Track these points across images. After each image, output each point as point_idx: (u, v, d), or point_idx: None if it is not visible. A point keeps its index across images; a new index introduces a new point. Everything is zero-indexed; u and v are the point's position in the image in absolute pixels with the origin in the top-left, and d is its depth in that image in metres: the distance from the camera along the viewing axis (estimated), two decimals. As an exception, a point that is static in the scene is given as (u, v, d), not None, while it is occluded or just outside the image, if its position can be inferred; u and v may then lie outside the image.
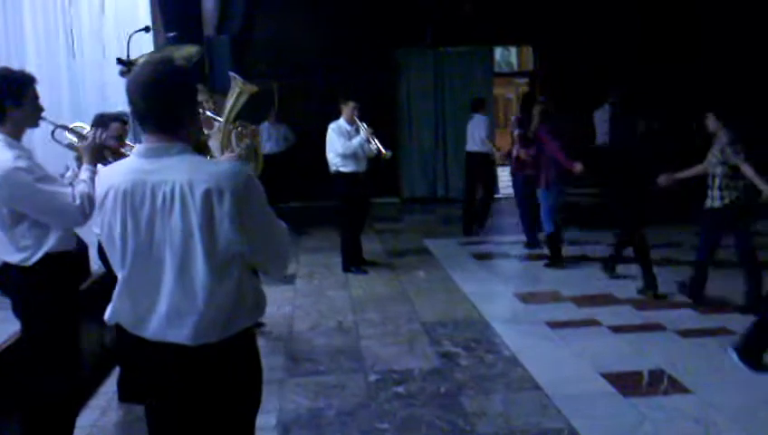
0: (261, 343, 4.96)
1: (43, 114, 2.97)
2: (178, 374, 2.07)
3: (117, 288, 2.10)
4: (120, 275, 2.09)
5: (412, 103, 11.97)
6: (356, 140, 6.71)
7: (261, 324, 5.40)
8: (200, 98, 5.10)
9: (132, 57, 4.90)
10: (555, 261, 6.91)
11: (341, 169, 6.79)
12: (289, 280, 6.82)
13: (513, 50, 15.23)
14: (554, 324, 5.25)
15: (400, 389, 4.17)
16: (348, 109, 6.79)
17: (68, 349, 2.99)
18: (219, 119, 5.15)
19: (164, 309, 2.04)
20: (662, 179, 5.64)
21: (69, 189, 2.85)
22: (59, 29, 7.79)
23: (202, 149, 2.69)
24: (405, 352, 4.80)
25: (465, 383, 4.21)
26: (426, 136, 12.02)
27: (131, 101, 2.03)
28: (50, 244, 2.89)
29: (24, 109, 2.87)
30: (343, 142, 6.69)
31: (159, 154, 2.02)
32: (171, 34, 7.95)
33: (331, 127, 6.82)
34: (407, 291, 6.33)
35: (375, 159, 7.03)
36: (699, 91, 9.31)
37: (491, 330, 5.18)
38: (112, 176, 2.09)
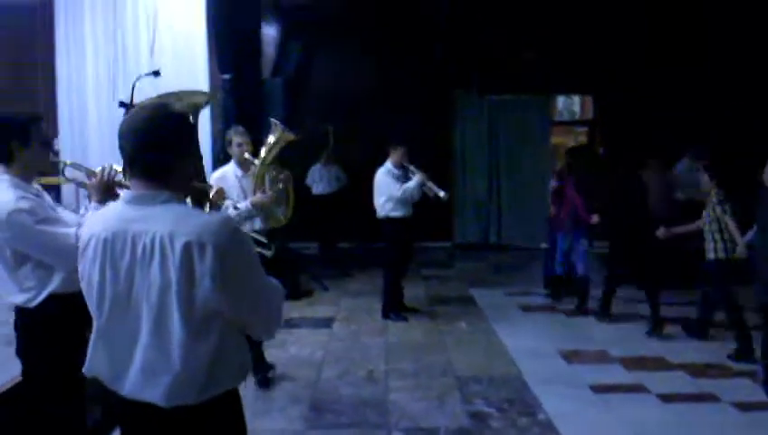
0: (287, 387, 4.86)
1: (55, 155, 2.94)
2: None
3: (92, 338, 1.99)
4: (95, 325, 1.98)
5: (467, 148, 11.82)
6: (412, 183, 6.58)
7: (270, 367, 5.24)
8: (239, 139, 5.13)
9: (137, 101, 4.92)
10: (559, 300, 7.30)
11: (391, 214, 6.64)
12: (326, 323, 6.68)
13: (577, 98, 14.96)
14: (598, 388, 4.90)
15: (423, 449, 3.93)
16: (397, 153, 6.69)
17: (69, 393, 2.89)
18: (256, 162, 5.13)
19: (139, 365, 1.91)
20: (661, 232, 5.95)
21: (72, 230, 2.77)
22: (119, 74, 8.06)
23: (202, 198, 2.59)
24: (434, 408, 4.54)
25: (492, 448, 3.94)
26: (479, 181, 11.81)
27: (120, 145, 1.95)
28: (53, 285, 2.83)
29: (31, 149, 2.84)
30: (399, 186, 6.57)
31: (144, 202, 1.93)
32: (226, 76, 8.08)
33: (381, 172, 6.71)
34: (445, 341, 6.07)
35: (425, 203, 6.93)
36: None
37: (528, 390, 4.87)
38: (96, 222, 2.01)
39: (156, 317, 1.87)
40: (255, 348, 4.57)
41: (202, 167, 2.82)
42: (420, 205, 6.96)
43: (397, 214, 6.64)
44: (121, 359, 1.94)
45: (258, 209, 4.91)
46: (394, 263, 6.84)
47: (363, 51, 11.69)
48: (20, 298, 2.83)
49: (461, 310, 7.25)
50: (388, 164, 6.73)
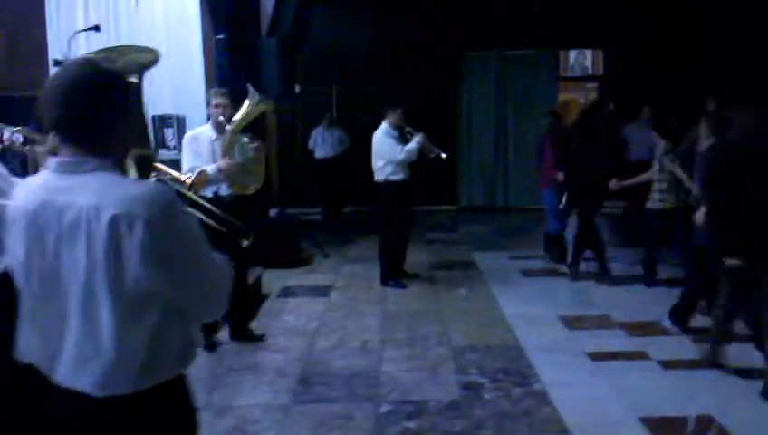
0: (277, 359, 4.76)
1: None
2: (86, 430, 1.81)
3: (20, 321, 1.84)
4: (23, 305, 1.83)
5: (473, 107, 11.53)
6: (413, 144, 6.38)
7: (261, 337, 5.16)
8: (217, 101, 4.96)
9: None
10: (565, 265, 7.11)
11: (391, 178, 6.46)
12: (324, 292, 6.57)
13: (589, 53, 14.53)
14: (597, 356, 4.75)
15: (411, 424, 3.80)
16: (395, 114, 6.46)
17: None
18: (228, 127, 4.96)
19: (70, 350, 1.75)
20: (613, 184, 6.24)
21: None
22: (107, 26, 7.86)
23: (144, 166, 2.40)
24: (426, 379, 4.43)
25: (483, 422, 3.81)
26: (486, 141, 11.57)
27: (45, 107, 1.76)
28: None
29: None
30: (401, 148, 6.36)
31: (70, 170, 1.73)
32: (220, 36, 7.86)
33: (380, 133, 6.50)
34: (443, 309, 5.94)
35: (429, 165, 6.80)
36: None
37: (525, 359, 4.74)
38: (24, 192, 1.83)
39: (84, 298, 1.70)
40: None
41: (145, 130, 2.63)
42: (424, 167, 6.81)
43: (396, 177, 6.46)
44: (53, 342, 1.77)
45: (224, 176, 4.79)
46: (392, 228, 6.68)
47: (366, 5, 11.37)
48: None
49: (462, 275, 7.11)
50: (386, 125, 6.52)
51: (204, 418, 3.68)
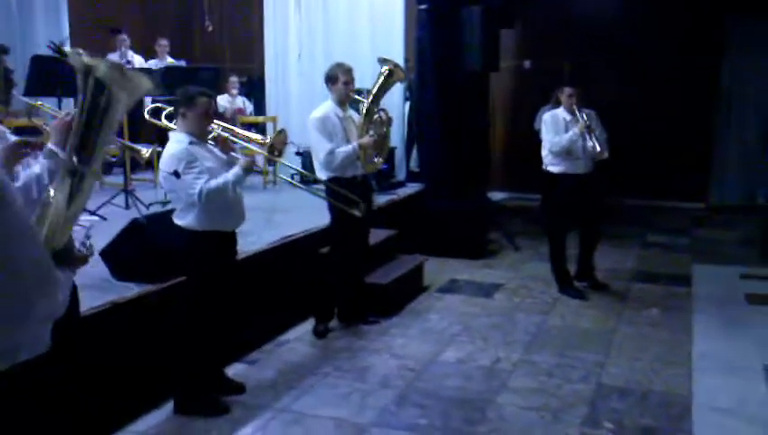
0: (388, 368, 4.24)
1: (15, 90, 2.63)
2: None
3: None
4: None
5: (735, 85, 9.58)
6: (566, 135, 5.42)
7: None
8: (346, 78, 4.56)
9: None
10: None
11: (550, 169, 5.60)
12: (489, 292, 5.86)
13: None
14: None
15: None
16: (563, 97, 5.54)
17: None
18: (362, 99, 4.68)
19: None
20: None
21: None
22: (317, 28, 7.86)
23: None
24: (539, 425, 3.57)
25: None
26: (750, 126, 9.55)
27: None
28: None
29: None
30: (552, 136, 5.46)
31: None
32: (422, 6, 7.40)
33: (546, 116, 5.62)
34: (616, 333, 4.89)
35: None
36: None
37: (687, 420, 3.61)
38: None
39: None
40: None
41: None
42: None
43: (556, 169, 5.57)
44: None
45: (362, 152, 4.60)
46: (556, 227, 5.77)
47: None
48: None
49: (664, 292, 5.84)
50: (560, 108, 5.60)
51: (273, 425, 3.38)
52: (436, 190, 7.36)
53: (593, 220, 5.76)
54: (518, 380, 4.12)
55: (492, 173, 9.46)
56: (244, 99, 9.37)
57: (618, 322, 5.12)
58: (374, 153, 4.73)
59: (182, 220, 3.57)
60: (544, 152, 5.61)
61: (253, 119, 8.38)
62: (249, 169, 3.55)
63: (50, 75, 5.38)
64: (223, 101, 8.95)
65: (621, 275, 6.33)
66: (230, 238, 3.72)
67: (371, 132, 4.68)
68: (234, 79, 9.22)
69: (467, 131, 7.42)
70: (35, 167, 2.51)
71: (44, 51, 8.10)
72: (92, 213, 5.34)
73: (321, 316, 4.83)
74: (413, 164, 8.31)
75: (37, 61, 5.49)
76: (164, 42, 8.63)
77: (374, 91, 4.74)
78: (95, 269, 3.89)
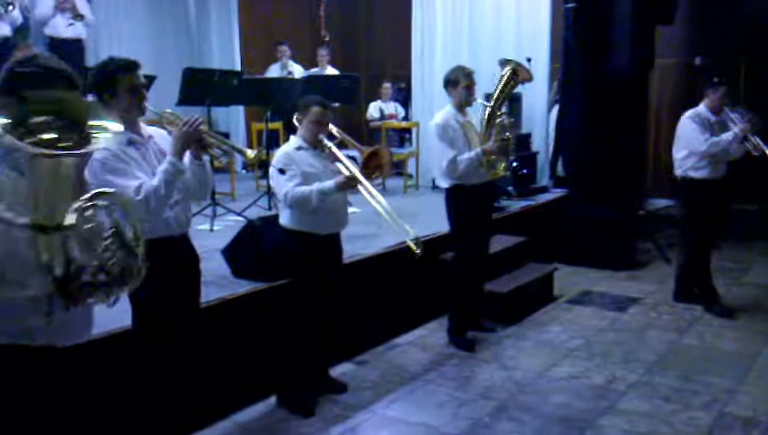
0: (493, 378, 4.16)
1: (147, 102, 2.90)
2: None
3: None
4: None
5: None
6: (728, 135, 4.94)
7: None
8: (467, 82, 4.49)
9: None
10: None
11: (690, 174, 5.14)
12: (623, 305, 5.52)
13: None
14: None
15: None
16: (715, 94, 5.04)
17: None
18: (487, 104, 4.56)
19: None
20: None
21: (133, 183, 2.76)
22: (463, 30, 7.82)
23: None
24: (640, 452, 3.34)
25: None
26: None
27: None
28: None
29: (120, 98, 2.85)
30: (707, 137, 4.98)
31: None
32: (569, 5, 7.12)
33: (688, 116, 5.16)
34: (757, 357, 4.40)
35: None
36: None
37: (818, 463, 3.18)
38: None
39: None
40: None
41: None
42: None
43: (698, 174, 5.08)
44: None
45: (485, 159, 4.45)
46: (692, 239, 5.31)
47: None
48: None
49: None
50: (701, 107, 5.13)
51: (363, 427, 3.48)
52: (581, 196, 7.05)
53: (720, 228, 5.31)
54: (630, 402, 3.85)
55: (655, 178, 8.89)
56: (397, 105, 9.59)
57: (763, 345, 4.60)
58: (496, 160, 4.54)
59: (282, 218, 3.78)
60: (682, 154, 5.16)
61: (396, 124, 8.54)
62: (342, 186, 3.60)
63: (201, 85, 5.87)
64: (374, 107, 9.25)
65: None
66: (327, 242, 3.80)
67: (494, 138, 4.51)
68: (387, 85, 9.48)
69: (618, 134, 7.02)
70: (155, 178, 2.78)
71: (219, 64, 8.93)
72: (239, 214, 5.75)
73: (455, 324, 4.76)
74: (560, 169, 8.02)
75: (188, 73, 5.98)
76: (323, 51, 9.06)
77: (495, 94, 4.62)
78: (220, 267, 4.25)
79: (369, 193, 3.74)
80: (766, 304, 5.41)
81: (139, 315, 2.97)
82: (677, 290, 5.47)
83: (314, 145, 3.75)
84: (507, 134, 4.51)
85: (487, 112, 4.60)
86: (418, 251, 3.79)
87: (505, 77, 4.65)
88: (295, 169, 3.62)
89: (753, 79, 9.33)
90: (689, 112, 5.16)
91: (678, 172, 5.23)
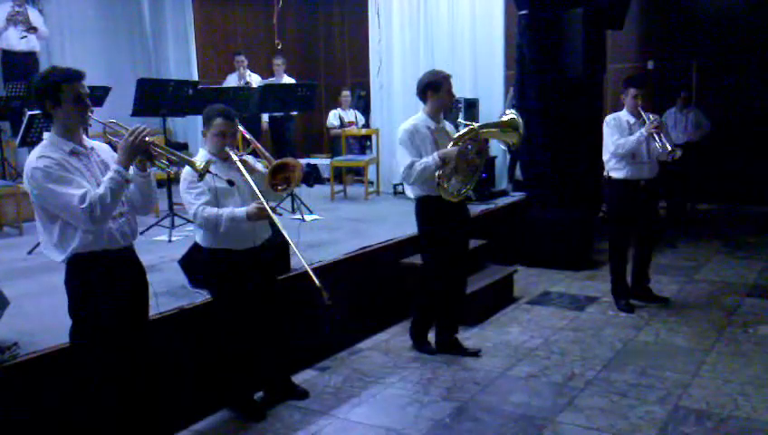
0: (453, 379, 4.19)
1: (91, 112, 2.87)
2: None
3: None
4: None
5: None
6: (634, 135, 5.10)
7: (475, 352, 4.58)
8: (450, 87, 4.31)
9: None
10: None
11: (612, 174, 5.32)
12: (582, 304, 5.62)
13: None
14: None
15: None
16: (626, 97, 5.23)
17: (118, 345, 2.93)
18: (471, 124, 4.41)
19: None
20: None
21: (79, 192, 2.72)
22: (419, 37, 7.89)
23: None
24: (597, 447, 3.40)
25: None
26: None
27: None
28: (75, 243, 2.83)
29: (63, 107, 2.82)
30: (617, 138, 5.14)
31: None
32: (523, 12, 7.24)
33: (606, 119, 5.34)
34: (710, 352, 4.52)
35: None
36: None
37: (767, 450, 3.28)
38: None
39: None
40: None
41: None
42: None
43: (619, 174, 5.28)
44: None
45: (444, 163, 4.19)
46: (618, 237, 5.48)
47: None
48: (53, 254, 2.90)
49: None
50: (623, 110, 5.31)
51: (325, 432, 3.46)
52: (539, 200, 7.17)
53: (652, 228, 5.50)
54: (588, 398, 3.92)
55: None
56: (357, 112, 9.64)
57: (716, 340, 4.73)
58: (461, 183, 4.34)
59: (197, 236, 3.68)
60: (605, 156, 5.31)
61: (356, 131, 8.57)
62: (252, 217, 3.48)
63: (156, 96, 5.82)
64: (333, 115, 9.28)
65: (736, 288, 5.84)
66: (248, 256, 3.66)
67: (460, 144, 4.26)
68: (346, 92, 9.53)
69: (574, 139, 7.16)
70: (100, 188, 2.74)
71: (176, 75, 8.88)
72: (197, 224, 5.71)
73: (418, 329, 4.72)
74: (518, 173, 8.14)
75: (142, 83, 5.93)
76: (278, 60, 9.05)
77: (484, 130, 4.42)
78: (177, 276, 4.21)
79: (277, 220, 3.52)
80: (718, 300, 5.56)
81: (80, 329, 2.92)
82: (615, 296, 5.56)
83: (223, 158, 3.61)
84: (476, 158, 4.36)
85: (462, 130, 4.40)
86: (328, 301, 3.47)
87: (500, 122, 4.44)
88: (203, 185, 3.46)
89: (705, 79, 9.62)
90: (608, 116, 5.31)
91: (605, 173, 5.39)
